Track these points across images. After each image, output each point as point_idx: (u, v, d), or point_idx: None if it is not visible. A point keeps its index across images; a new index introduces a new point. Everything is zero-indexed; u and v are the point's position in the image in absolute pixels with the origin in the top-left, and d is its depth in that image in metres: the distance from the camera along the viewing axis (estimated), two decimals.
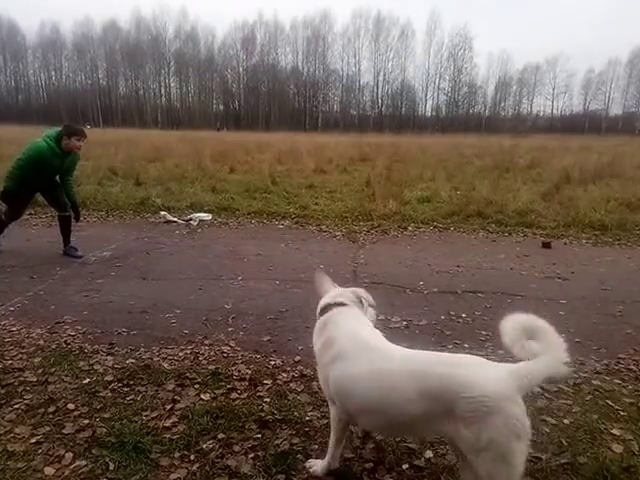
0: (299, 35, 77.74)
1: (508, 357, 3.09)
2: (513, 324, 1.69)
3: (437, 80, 75.77)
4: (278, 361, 3.11)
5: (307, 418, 2.48)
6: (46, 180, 5.35)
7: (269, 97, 76.61)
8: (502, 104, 76.10)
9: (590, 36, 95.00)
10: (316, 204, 8.75)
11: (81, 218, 5.79)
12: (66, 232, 5.58)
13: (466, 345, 3.36)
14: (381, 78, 76.86)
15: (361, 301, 2.16)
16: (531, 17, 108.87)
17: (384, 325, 3.70)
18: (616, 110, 64.30)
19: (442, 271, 5.13)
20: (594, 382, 2.88)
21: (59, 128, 5.25)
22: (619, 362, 3.17)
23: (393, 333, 3.58)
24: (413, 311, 4.00)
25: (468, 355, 1.82)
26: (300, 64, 78.66)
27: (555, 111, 72.22)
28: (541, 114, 73.79)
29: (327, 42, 77.06)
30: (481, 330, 3.62)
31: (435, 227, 7.27)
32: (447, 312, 3.97)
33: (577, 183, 10.64)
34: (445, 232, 7.06)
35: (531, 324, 1.66)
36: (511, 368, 1.63)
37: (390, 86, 77.36)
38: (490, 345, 3.36)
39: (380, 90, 77.77)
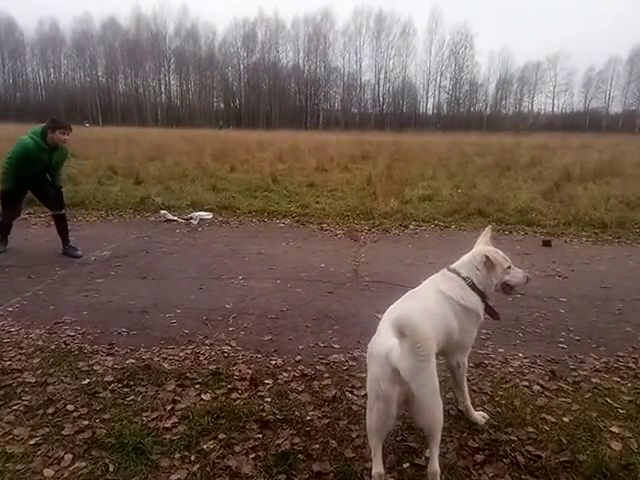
0: (300, 33, 77.74)
1: (510, 355, 3.14)
2: None
3: (438, 78, 75.81)
4: (279, 361, 3.11)
5: (308, 418, 2.48)
6: (35, 176, 5.37)
7: (270, 95, 76.51)
8: (503, 102, 76.14)
9: (590, 34, 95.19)
10: (317, 202, 8.76)
11: (64, 210, 5.71)
12: (63, 231, 5.58)
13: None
14: (382, 76, 76.90)
15: None
16: (532, 15, 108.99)
17: None
18: (616, 108, 64.42)
19: None
20: (593, 380, 2.89)
21: (44, 124, 5.25)
22: (618, 360, 3.17)
23: None
24: None
25: None
26: (301, 62, 78.69)
27: (556, 109, 72.29)
28: (542, 112, 73.83)
29: (328, 40, 77.10)
30: (481, 329, 3.61)
31: (436, 225, 7.28)
32: None
33: (577, 181, 10.67)
34: (446, 230, 7.07)
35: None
36: None
37: (391, 84, 77.37)
38: (490, 344, 3.38)
39: (381, 88, 77.81)
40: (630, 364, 3.12)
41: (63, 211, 5.58)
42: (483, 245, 2.47)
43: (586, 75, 69.38)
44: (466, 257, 2.42)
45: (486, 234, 2.54)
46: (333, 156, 15.83)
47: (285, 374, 2.94)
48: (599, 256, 5.74)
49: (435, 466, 1.91)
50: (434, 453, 1.92)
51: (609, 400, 2.66)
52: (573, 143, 23.05)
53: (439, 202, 8.72)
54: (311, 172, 12.59)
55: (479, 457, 2.21)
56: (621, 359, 3.19)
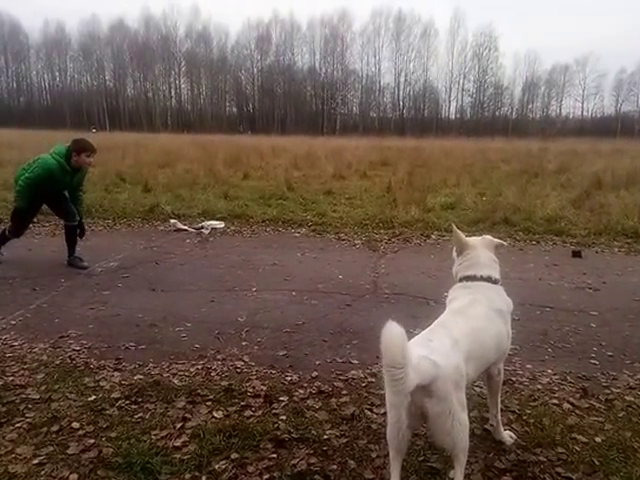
0: (316, 34, 78.16)
1: (538, 372, 3.12)
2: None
3: (461, 81, 75.67)
4: (294, 377, 3.11)
5: (325, 437, 2.48)
6: (54, 194, 5.49)
7: (285, 99, 77.04)
8: (530, 106, 75.67)
9: (621, 35, 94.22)
10: (334, 211, 8.80)
11: (84, 236, 5.89)
12: (71, 241, 5.65)
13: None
14: (402, 79, 76.99)
15: None
16: (559, 16, 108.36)
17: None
18: None
19: None
20: (627, 398, 2.88)
21: (67, 144, 5.35)
22: None
23: None
24: None
25: None
26: (317, 64, 79.03)
27: (585, 113, 71.75)
28: (570, 116, 73.30)
29: (346, 41, 77.33)
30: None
31: None
32: None
33: (609, 189, 10.56)
34: None
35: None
36: None
37: (412, 87, 77.41)
38: (518, 360, 3.36)
39: (401, 92, 77.86)
40: None
41: (75, 222, 5.64)
42: (478, 242, 2.52)
43: (617, 78, 68.91)
44: (482, 259, 2.45)
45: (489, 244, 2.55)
46: (351, 162, 15.90)
47: (301, 391, 2.94)
48: (632, 267, 5.69)
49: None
50: (458, 476, 1.93)
51: None
52: (604, 148, 22.82)
53: (463, 210, 8.71)
54: (328, 179, 12.65)
55: (506, 479, 2.21)
56: None
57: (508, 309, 2.41)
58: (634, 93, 66.26)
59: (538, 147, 22.88)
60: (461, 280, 2.47)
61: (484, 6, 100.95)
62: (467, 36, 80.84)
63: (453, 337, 2.07)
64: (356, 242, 6.93)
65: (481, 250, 2.49)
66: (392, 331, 1.74)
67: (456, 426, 1.87)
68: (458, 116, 76.56)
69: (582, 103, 71.76)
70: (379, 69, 77.67)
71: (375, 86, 78.31)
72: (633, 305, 4.47)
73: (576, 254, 6.16)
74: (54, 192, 5.45)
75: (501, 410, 2.67)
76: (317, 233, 7.45)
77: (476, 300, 2.31)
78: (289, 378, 3.10)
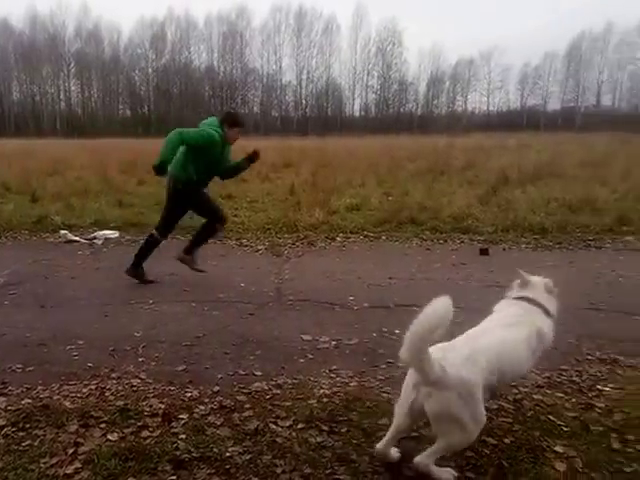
0: (214, 32, 77.28)
1: None
2: None
3: (365, 77, 78.09)
4: (195, 392, 3.11)
5: (228, 454, 2.47)
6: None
7: (182, 100, 75.34)
8: (435, 101, 79.68)
9: (525, 28, 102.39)
10: (235, 216, 8.75)
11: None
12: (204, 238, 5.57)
13: (401, 364, 3.43)
14: (304, 76, 78.04)
15: None
16: (462, 9, 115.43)
17: (312, 346, 3.76)
18: (554, 105, 69.24)
19: (373, 284, 5.27)
20: (535, 397, 3.03)
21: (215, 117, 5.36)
22: (561, 374, 3.36)
23: (321, 354, 3.64)
24: (343, 329, 4.08)
25: None
26: (216, 63, 78.22)
27: (491, 108, 76.75)
28: (476, 111, 78.13)
29: (245, 39, 77.31)
30: None
31: (365, 236, 7.45)
32: (379, 329, 4.07)
33: (515, 184, 11.34)
34: (376, 242, 7.26)
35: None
36: None
37: (315, 85, 78.68)
38: None
39: (304, 89, 78.91)
40: (574, 378, 3.31)
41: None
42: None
43: (522, 71, 74.22)
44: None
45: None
46: (252, 165, 15.82)
47: (202, 407, 2.93)
48: (540, 263, 6.09)
49: (426, 461, 2.25)
50: (434, 451, 2.26)
51: (552, 418, 2.79)
52: (510, 143, 24.54)
53: (368, 211, 8.94)
54: (228, 183, 12.48)
55: None
56: (564, 373, 3.38)
57: (545, 337, 2.76)
58: (539, 87, 71.64)
59: (444, 143, 24.11)
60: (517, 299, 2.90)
61: (387, 1, 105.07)
62: (370, 31, 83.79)
63: (476, 348, 2.35)
64: (259, 248, 6.96)
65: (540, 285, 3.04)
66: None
67: (447, 429, 2.20)
68: (363, 113, 78.99)
69: (487, 97, 76.74)
70: (280, 67, 78.34)
71: (276, 84, 78.85)
72: None
73: (484, 252, 6.52)
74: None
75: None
76: (217, 240, 7.31)
77: (524, 323, 2.71)
78: (189, 394, 3.09)
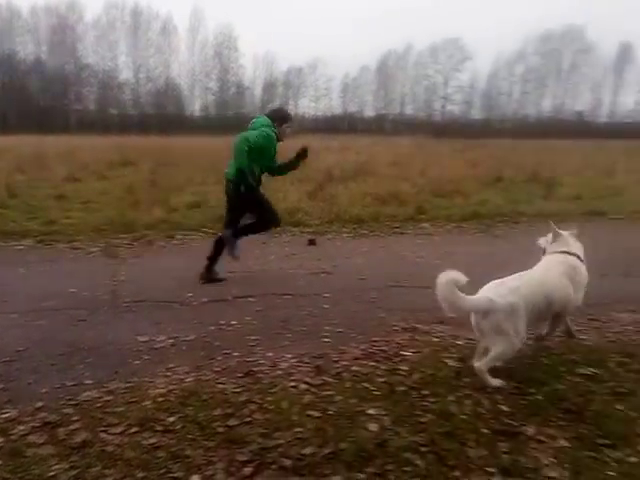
0: (41, 23, 68.95)
1: (278, 358, 3.27)
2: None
3: (204, 79, 76.21)
4: (13, 412, 2.70)
5: (51, 473, 2.21)
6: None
7: (5, 93, 66.23)
8: (270, 105, 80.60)
9: (344, 43, 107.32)
10: (68, 217, 7.98)
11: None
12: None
13: (236, 353, 3.43)
14: (142, 75, 73.71)
15: None
16: (293, 21, 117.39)
17: (148, 347, 3.55)
18: (370, 112, 74.33)
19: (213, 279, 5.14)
20: (353, 368, 3.22)
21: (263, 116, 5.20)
22: (374, 345, 3.61)
23: (158, 354, 3.46)
24: (180, 326, 3.92)
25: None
26: (44, 56, 70.10)
27: (319, 113, 79.75)
28: (306, 115, 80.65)
29: (77, 33, 70.33)
30: (251, 335, 3.74)
31: (205, 233, 7.27)
32: (217, 322, 4.00)
33: (339, 181, 11.90)
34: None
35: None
36: None
37: (154, 84, 74.75)
38: (260, 350, 3.49)
39: (142, 88, 74.54)
40: (383, 347, 3.57)
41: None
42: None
43: (342, 82, 78.28)
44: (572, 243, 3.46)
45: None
46: (87, 163, 14.65)
47: (21, 427, 2.56)
48: (357, 250, 6.51)
49: (478, 365, 2.95)
50: (488, 359, 2.94)
51: (367, 385, 2.98)
52: (334, 145, 25.64)
53: (209, 208, 8.75)
54: (60, 182, 11.39)
55: (248, 470, 2.24)
56: (376, 344, 3.63)
57: (580, 276, 3.32)
58: (357, 95, 76.14)
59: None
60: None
61: (222, 6, 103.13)
62: (207, 35, 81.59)
63: (519, 285, 3.00)
64: (92, 250, 6.37)
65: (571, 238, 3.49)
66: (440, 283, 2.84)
67: (497, 341, 2.91)
68: (203, 114, 77.10)
69: (315, 103, 79.55)
70: (116, 64, 72.94)
71: (113, 82, 73.31)
72: (359, 283, 5.09)
73: (311, 242, 6.76)
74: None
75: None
76: (46, 244, 6.60)
77: (557, 263, 3.33)
78: (6, 415, 2.69)
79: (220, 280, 5.10)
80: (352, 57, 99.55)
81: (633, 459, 2.32)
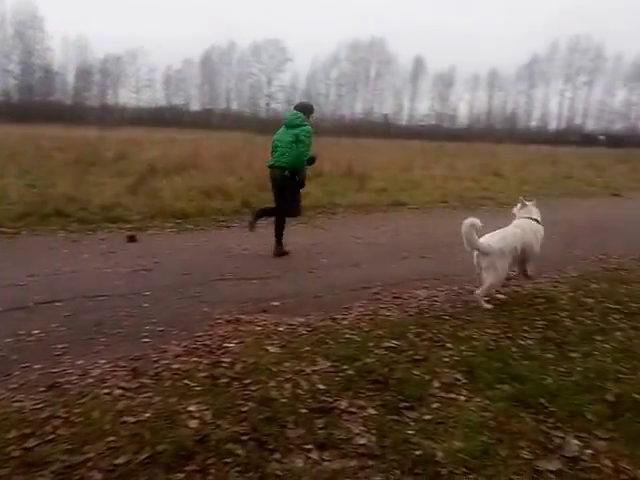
0: None
1: (90, 365, 2.98)
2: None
3: (3, 60, 66.59)
4: None
5: None
6: None
7: None
8: (86, 93, 73.78)
9: (166, 34, 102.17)
10: None
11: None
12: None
13: (38, 366, 3.04)
14: None
15: None
16: (110, 5, 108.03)
17: None
18: (196, 106, 72.34)
19: (10, 285, 4.50)
20: (174, 366, 3.09)
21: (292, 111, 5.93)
22: (197, 340, 3.52)
23: None
24: None
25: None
26: None
27: (142, 104, 75.23)
28: (128, 106, 75.55)
29: None
30: (57, 344, 3.36)
31: (3, 233, 6.35)
32: (14, 333, 3.50)
33: (162, 174, 11.36)
34: (15, 238, 6.25)
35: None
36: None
37: None
38: (68, 358, 3.17)
39: None
40: (206, 342, 3.50)
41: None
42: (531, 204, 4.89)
43: (166, 73, 74.80)
44: (534, 212, 4.83)
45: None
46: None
47: None
48: (182, 245, 6.28)
49: (477, 293, 4.29)
50: (482, 288, 4.27)
51: (188, 382, 2.89)
52: (159, 137, 24.50)
53: (8, 205, 7.64)
54: None
55: None
56: (199, 339, 3.55)
57: (539, 234, 4.68)
58: (182, 88, 73.43)
59: (96, 135, 22.55)
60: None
61: None
62: (5, 11, 71.59)
63: (506, 235, 4.37)
64: None
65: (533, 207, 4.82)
66: (466, 224, 4.06)
67: (489, 274, 4.22)
68: (3, 99, 67.54)
69: (136, 94, 74.82)
70: None
71: None
72: (183, 279, 4.91)
73: (131, 239, 6.33)
74: None
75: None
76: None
77: (526, 224, 4.61)
78: None
79: (287, 253, 5.96)
80: (175, 49, 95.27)
81: (427, 417, 2.61)
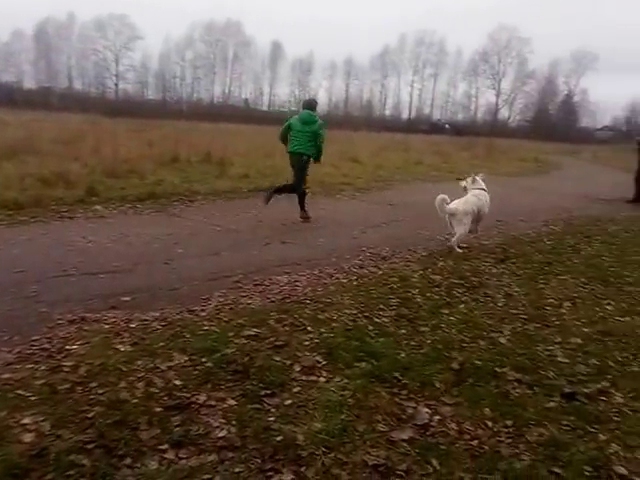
0: None
1: None
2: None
3: None
4: None
5: None
6: None
7: None
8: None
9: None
10: None
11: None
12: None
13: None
14: None
15: None
16: None
17: None
18: (30, 84, 64.32)
19: None
20: (5, 376, 2.71)
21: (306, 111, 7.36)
22: (33, 345, 3.13)
23: None
24: None
25: None
26: None
27: None
28: None
29: None
30: None
31: None
32: None
33: None
34: None
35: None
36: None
37: None
38: None
39: None
40: (45, 345, 3.14)
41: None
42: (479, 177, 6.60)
43: None
44: (481, 183, 6.50)
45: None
46: None
47: None
48: (14, 239, 5.54)
49: (452, 241, 6.05)
50: (454, 239, 6.03)
51: (21, 392, 2.56)
52: None
53: None
54: None
55: None
56: (36, 343, 3.16)
57: (488, 200, 6.35)
58: (12, 64, 64.76)
59: None
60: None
61: None
62: None
63: (467, 200, 6.13)
64: None
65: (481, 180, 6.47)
66: (438, 199, 5.92)
67: (459, 228, 5.97)
68: None
69: None
70: None
71: None
72: (14, 277, 4.33)
73: None
74: None
75: None
76: None
77: (479, 193, 6.29)
78: None
79: (309, 218, 7.40)
80: (1, 18, 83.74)
81: (288, 402, 2.62)
